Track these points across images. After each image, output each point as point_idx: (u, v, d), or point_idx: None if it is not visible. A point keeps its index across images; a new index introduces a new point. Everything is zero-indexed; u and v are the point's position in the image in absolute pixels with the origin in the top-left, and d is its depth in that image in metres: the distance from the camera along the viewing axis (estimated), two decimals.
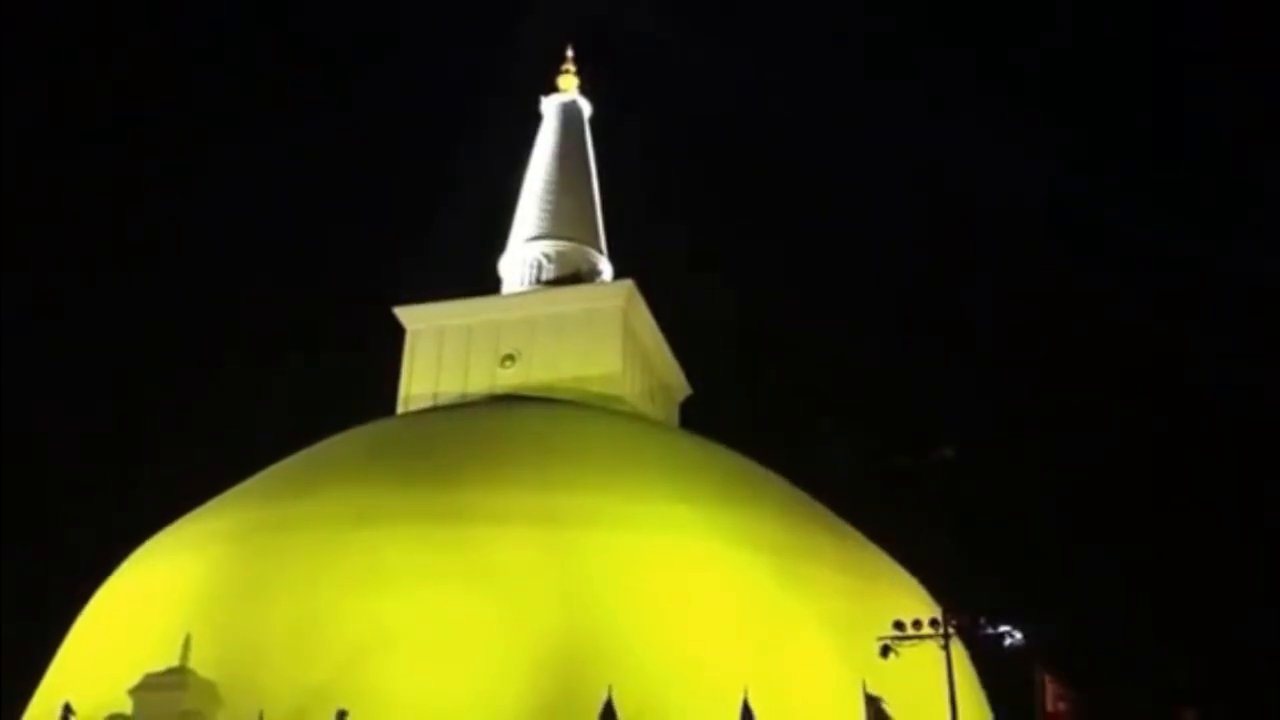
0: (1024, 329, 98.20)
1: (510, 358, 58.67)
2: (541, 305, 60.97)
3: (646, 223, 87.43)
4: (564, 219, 66.34)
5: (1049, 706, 32.76)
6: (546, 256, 64.95)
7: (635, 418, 55.52)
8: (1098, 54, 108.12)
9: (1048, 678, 33.38)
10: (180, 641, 38.69)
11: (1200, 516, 78.09)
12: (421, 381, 59.60)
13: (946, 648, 32.28)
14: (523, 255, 65.43)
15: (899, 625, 32.71)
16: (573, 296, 61.25)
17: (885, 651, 32.43)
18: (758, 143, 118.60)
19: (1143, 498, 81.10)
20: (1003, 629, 31.72)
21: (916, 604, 40.57)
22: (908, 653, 32.76)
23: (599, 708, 34.34)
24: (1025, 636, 31.67)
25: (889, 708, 34.43)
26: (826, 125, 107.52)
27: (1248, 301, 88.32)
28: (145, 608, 43.62)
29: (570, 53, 74.05)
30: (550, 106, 71.91)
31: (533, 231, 66.10)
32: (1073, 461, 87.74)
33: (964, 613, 33.05)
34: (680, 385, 65.87)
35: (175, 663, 38.37)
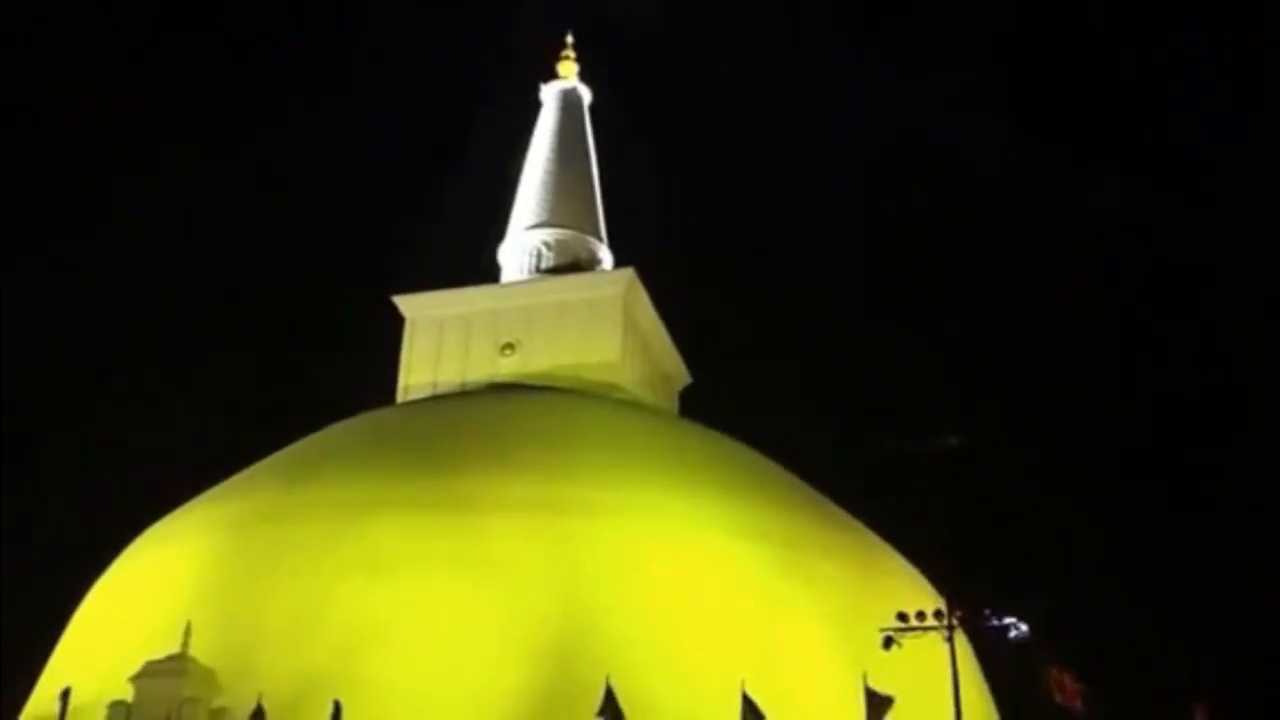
0: (1029, 318, 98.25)
1: (510, 346, 58.51)
2: (541, 294, 60.78)
3: (647, 211, 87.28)
4: (564, 207, 66.13)
5: (1063, 700, 32.57)
6: (546, 244, 64.75)
7: (635, 406, 55.36)
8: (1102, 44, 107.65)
9: (1058, 670, 33.22)
10: (181, 629, 38.63)
11: (1213, 511, 78.12)
12: (421, 370, 59.44)
13: (950, 639, 32.16)
14: (522, 243, 65.22)
15: (902, 616, 32.61)
16: (572, 285, 61.08)
17: (888, 643, 32.33)
18: (759, 130, 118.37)
19: (1154, 491, 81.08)
20: (1007, 621, 31.58)
21: (919, 595, 40.47)
22: (910, 645, 32.63)
23: (596, 697, 34.23)
24: (1030, 629, 31.53)
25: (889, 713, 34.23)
26: (829, 112, 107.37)
27: (1253, 293, 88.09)
28: (146, 596, 43.56)
29: (570, 39, 73.86)
30: (550, 93, 71.63)
31: (532, 219, 65.89)
32: (1080, 454, 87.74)
33: (968, 604, 32.94)
34: (680, 374, 65.70)
35: (176, 650, 38.32)
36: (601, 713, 33.82)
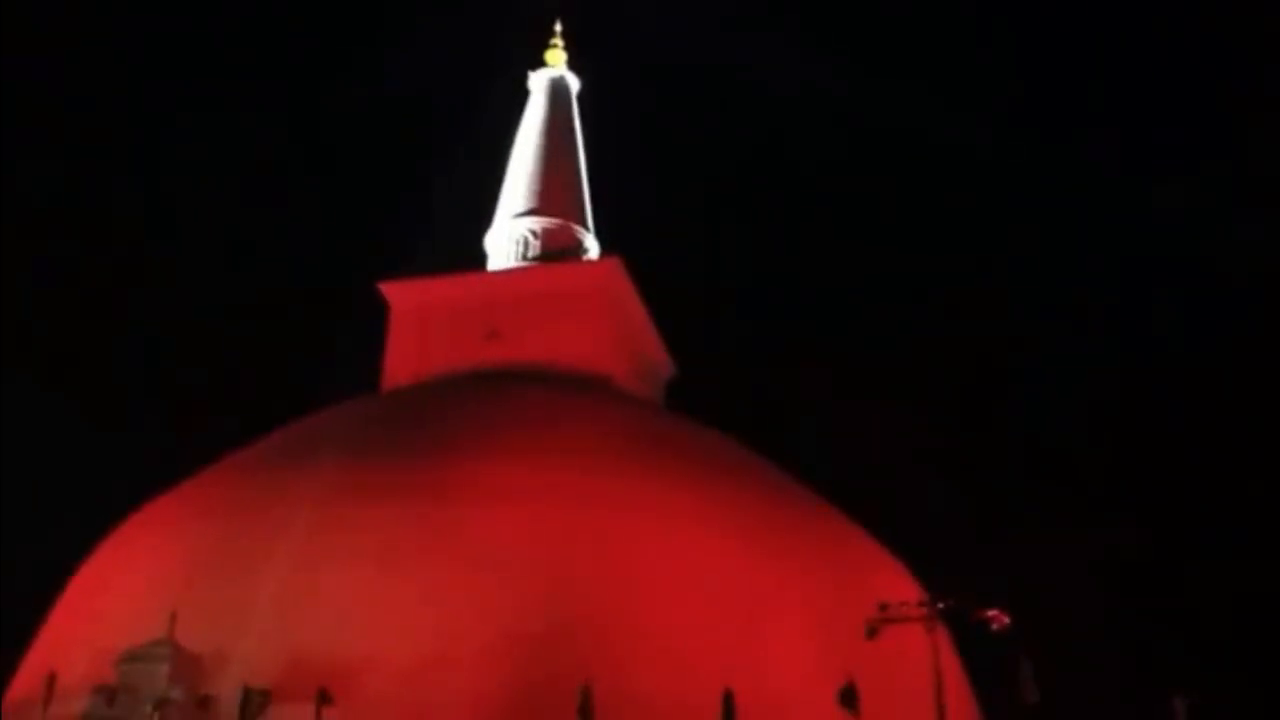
0: (1016, 308, 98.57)
1: (496, 334, 58.47)
2: (527, 282, 60.91)
3: (635, 200, 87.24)
4: (551, 195, 66.09)
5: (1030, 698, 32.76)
6: (533, 233, 64.77)
7: (620, 397, 55.47)
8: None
9: (1023, 663, 33.43)
10: (165, 614, 38.57)
11: (1192, 502, 78.59)
12: (406, 357, 59.38)
13: (931, 630, 32.40)
14: (509, 231, 65.22)
15: (884, 607, 32.86)
16: (559, 273, 61.23)
17: (872, 633, 32.60)
18: (750, 120, 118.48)
19: (1133, 482, 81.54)
20: (990, 612, 31.81)
21: (902, 587, 40.78)
22: (892, 638, 32.90)
23: (579, 690, 34.35)
24: (1012, 620, 31.76)
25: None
26: (819, 99, 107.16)
27: (1242, 289, 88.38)
28: (131, 580, 43.48)
29: (559, 27, 73.76)
30: (538, 82, 71.59)
31: (519, 207, 65.88)
32: (1061, 444, 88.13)
33: (950, 596, 33.22)
34: (666, 365, 65.69)
35: (160, 635, 38.29)
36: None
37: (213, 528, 43.39)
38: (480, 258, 65.77)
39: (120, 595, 43.13)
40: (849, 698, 34.16)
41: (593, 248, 66.10)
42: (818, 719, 36.26)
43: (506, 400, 49.59)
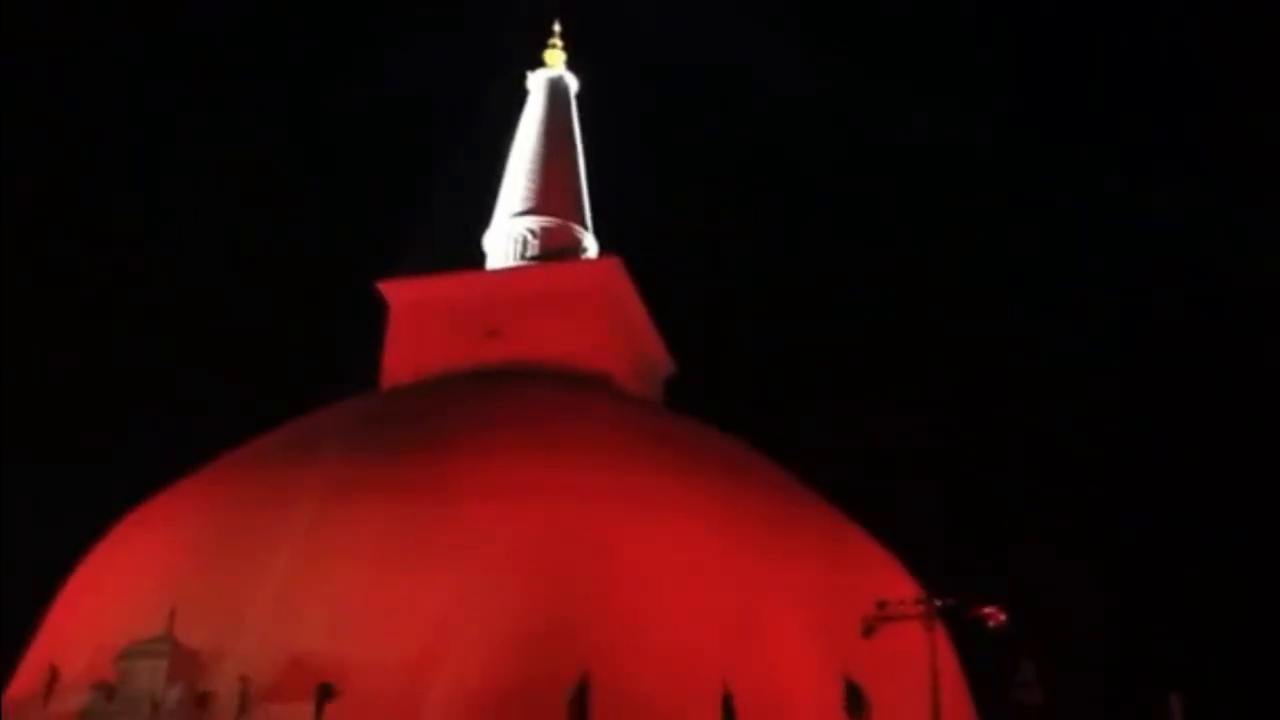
0: (1016, 308, 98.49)
1: (495, 333, 58.52)
2: (527, 281, 61.00)
3: (633, 199, 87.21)
4: (550, 195, 66.16)
5: (1025, 696, 32.82)
6: (532, 232, 64.84)
7: (619, 395, 55.56)
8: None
9: (1024, 663, 33.51)
10: (164, 611, 38.65)
11: (1192, 502, 78.61)
12: (405, 356, 59.41)
13: (929, 627, 32.44)
14: (508, 230, 65.29)
15: (883, 605, 32.90)
16: (558, 273, 61.30)
17: (869, 631, 32.64)
18: (749, 119, 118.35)
19: (1133, 482, 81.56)
20: (987, 609, 31.85)
21: (900, 585, 40.83)
22: (888, 636, 32.92)
23: (575, 686, 34.41)
24: (1009, 619, 31.80)
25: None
26: (819, 99, 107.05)
27: (1242, 289, 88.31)
28: (130, 577, 43.54)
29: (557, 28, 73.86)
30: (537, 82, 71.69)
31: (518, 207, 65.94)
32: (1061, 444, 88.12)
33: (947, 594, 33.27)
34: (665, 363, 65.78)
35: (159, 632, 38.36)
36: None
37: (212, 524, 43.47)
38: (479, 257, 65.83)
39: (119, 592, 43.19)
40: (855, 703, 34.23)
41: (592, 247, 66.18)
42: (816, 717, 36.38)
43: (505, 398, 49.67)
